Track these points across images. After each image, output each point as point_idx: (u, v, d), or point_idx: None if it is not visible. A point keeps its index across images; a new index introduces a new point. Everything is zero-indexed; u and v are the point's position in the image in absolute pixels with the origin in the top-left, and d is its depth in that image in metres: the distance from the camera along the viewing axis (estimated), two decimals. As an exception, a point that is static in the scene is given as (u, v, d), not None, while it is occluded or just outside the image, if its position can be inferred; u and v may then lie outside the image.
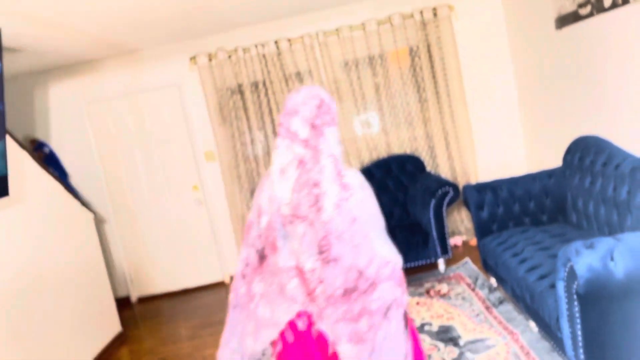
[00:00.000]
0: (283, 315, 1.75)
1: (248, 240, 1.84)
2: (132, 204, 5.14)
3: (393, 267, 1.69)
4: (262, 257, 1.79)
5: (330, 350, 1.71)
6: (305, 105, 1.70)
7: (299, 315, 1.74)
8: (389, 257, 1.70)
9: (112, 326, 4.20)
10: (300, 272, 1.70)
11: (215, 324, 4.18)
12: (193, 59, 4.83)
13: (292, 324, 1.76)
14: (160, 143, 5.07)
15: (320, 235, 1.65)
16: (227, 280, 5.20)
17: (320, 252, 1.66)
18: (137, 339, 4.25)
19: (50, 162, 4.90)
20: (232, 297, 1.88)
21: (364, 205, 1.70)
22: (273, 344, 1.82)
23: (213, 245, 5.18)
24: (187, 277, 5.21)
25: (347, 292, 1.66)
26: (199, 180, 5.11)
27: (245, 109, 4.88)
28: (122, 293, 5.19)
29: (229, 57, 4.78)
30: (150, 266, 5.20)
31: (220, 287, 5.12)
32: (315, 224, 1.66)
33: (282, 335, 1.78)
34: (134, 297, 5.22)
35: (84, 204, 4.17)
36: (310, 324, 1.74)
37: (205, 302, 4.82)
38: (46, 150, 4.96)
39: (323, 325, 1.70)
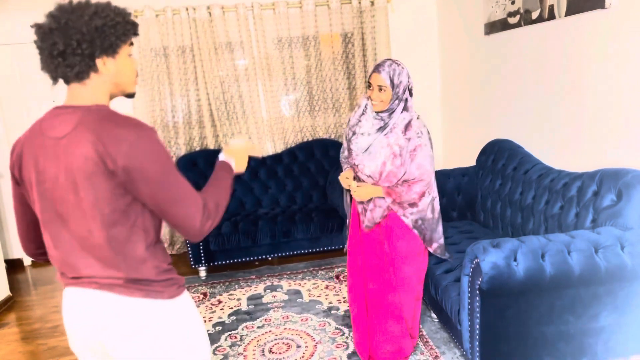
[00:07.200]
0: None
1: None
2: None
3: None
4: None
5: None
6: None
7: None
8: None
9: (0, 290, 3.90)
10: None
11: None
12: (117, 13, 4.51)
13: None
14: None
15: None
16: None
17: None
18: (28, 305, 3.96)
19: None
20: None
21: None
22: None
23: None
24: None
25: None
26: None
27: (169, 74, 4.64)
28: (14, 255, 4.81)
29: (157, 16, 4.52)
30: (49, 229, 4.85)
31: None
32: None
33: None
34: (27, 260, 4.86)
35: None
36: None
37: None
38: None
39: None
